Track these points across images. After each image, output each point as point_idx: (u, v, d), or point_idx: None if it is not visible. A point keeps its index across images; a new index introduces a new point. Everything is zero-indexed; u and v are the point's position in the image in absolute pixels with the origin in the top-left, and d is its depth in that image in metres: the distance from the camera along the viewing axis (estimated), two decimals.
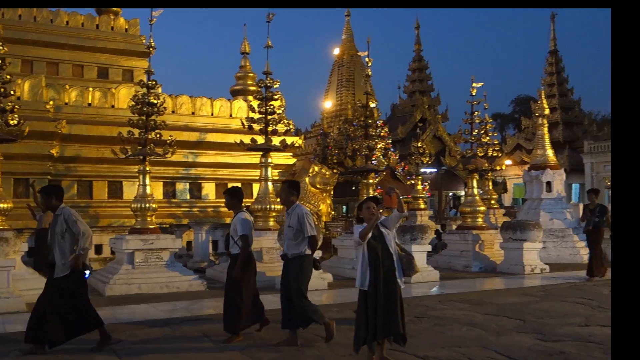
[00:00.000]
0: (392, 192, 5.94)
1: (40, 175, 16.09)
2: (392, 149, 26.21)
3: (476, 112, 16.50)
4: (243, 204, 7.33)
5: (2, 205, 10.46)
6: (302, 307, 6.58)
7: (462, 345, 6.76)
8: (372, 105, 15.61)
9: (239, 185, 7.25)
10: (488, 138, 17.04)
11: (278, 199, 14.21)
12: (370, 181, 14.50)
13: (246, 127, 13.48)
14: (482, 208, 15.92)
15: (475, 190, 16.27)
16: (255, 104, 13.88)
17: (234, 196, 7.29)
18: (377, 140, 14.74)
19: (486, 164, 16.30)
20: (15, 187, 15.67)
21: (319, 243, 7.81)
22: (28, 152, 15.35)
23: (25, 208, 13.72)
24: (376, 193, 15.25)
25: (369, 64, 15.05)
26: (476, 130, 16.63)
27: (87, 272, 6.65)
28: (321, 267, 7.12)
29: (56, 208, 6.57)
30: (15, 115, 11.01)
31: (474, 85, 16.32)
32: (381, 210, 6.06)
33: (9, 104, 10.97)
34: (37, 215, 12.95)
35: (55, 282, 6.39)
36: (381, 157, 15.36)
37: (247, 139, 13.76)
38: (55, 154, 16.31)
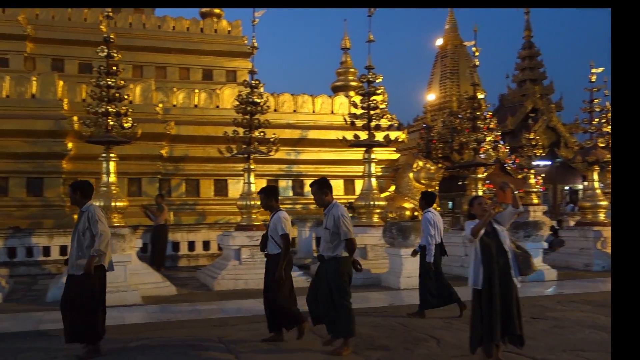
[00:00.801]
0: (507, 187, 5.71)
1: (151, 175, 17.14)
2: (501, 142, 25.25)
3: (596, 100, 15.51)
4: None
5: (118, 203, 11.25)
6: (342, 305, 6.24)
7: (585, 349, 6.38)
8: (480, 96, 15.16)
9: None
10: (610, 127, 15.95)
11: (382, 195, 14.28)
12: (479, 175, 14.07)
13: (348, 123, 13.57)
14: (604, 203, 14.95)
15: (596, 184, 15.31)
16: (357, 99, 13.91)
17: (270, 195, 7.10)
18: (485, 133, 14.29)
19: (608, 155, 15.27)
20: (129, 186, 16.78)
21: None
22: (140, 153, 16.36)
23: (137, 206, 14.63)
24: (485, 188, 14.77)
25: (476, 54, 14.64)
26: (596, 120, 15.63)
27: None
28: (361, 269, 6.71)
29: (82, 204, 6.43)
30: (129, 119, 11.77)
31: (594, 71, 15.39)
32: (494, 207, 5.85)
33: (123, 108, 11.74)
34: (152, 211, 13.83)
35: (68, 279, 6.34)
36: (490, 150, 14.88)
37: (349, 135, 13.85)
38: (164, 154, 17.28)
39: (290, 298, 6.87)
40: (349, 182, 18.76)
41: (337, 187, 18.83)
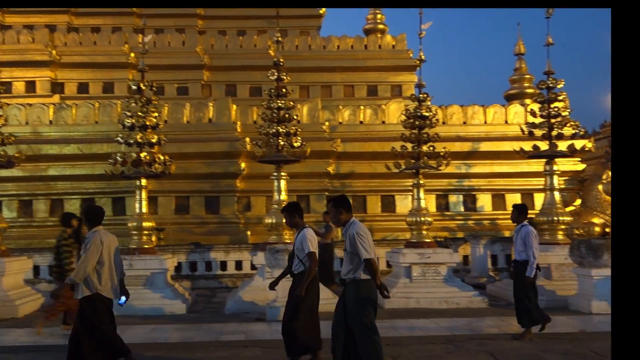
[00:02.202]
0: None
1: (318, 192, 17.77)
2: None
3: None
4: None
5: (271, 220, 11.91)
6: (364, 341, 5.72)
7: None
8: None
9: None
10: None
11: (566, 209, 13.35)
12: None
13: (526, 133, 13.00)
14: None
15: None
16: (535, 107, 13.25)
17: (294, 212, 6.91)
18: None
19: None
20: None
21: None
22: (308, 171, 17.04)
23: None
24: None
25: None
26: None
27: (123, 298, 6.52)
28: (389, 295, 6.14)
29: (89, 229, 6.51)
30: (298, 138, 12.39)
31: None
32: None
33: (292, 128, 12.38)
34: (320, 230, 14.25)
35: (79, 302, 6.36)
36: None
37: (526, 146, 13.24)
38: (331, 171, 17.83)
39: (310, 322, 6.70)
40: (527, 196, 17.82)
41: (514, 200, 17.92)
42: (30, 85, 22.21)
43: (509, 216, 17.75)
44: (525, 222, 8.66)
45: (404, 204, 17.63)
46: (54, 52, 22.20)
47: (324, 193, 17.80)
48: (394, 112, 18.69)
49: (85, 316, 6.17)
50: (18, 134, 14.01)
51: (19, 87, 22.01)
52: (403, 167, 12.44)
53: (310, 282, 6.64)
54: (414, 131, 12.38)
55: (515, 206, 9.06)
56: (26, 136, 17.29)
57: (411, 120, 12.39)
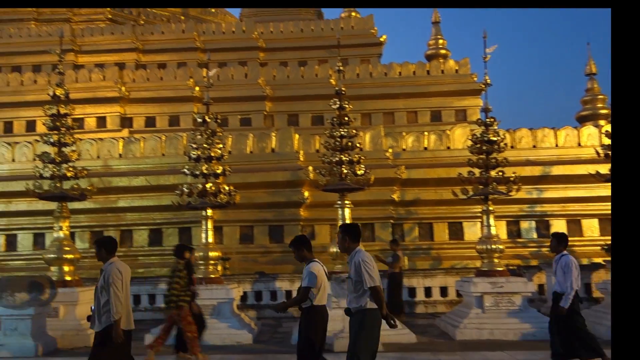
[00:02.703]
0: None
1: (383, 220, 17.59)
2: None
3: None
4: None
5: (335, 249, 11.82)
6: None
7: None
8: None
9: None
10: None
11: None
12: None
13: (601, 155, 12.52)
14: None
15: None
16: (610, 128, 12.76)
17: (301, 245, 6.65)
18: None
19: None
20: (363, 232, 17.31)
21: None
22: (371, 199, 16.92)
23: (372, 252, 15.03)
24: None
25: None
26: None
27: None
28: (396, 325, 5.92)
29: (105, 260, 6.56)
30: (362, 166, 12.35)
31: None
32: None
33: (356, 156, 12.37)
34: (387, 259, 14.09)
35: (96, 335, 6.41)
36: None
37: (603, 169, 12.77)
38: (396, 199, 17.64)
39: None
40: (605, 221, 17.03)
41: (591, 226, 17.29)
42: (101, 121, 23.24)
43: (586, 243, 17.06)
44: (565, 252, 8.39)
45: (472, 231, 17.21)
46: (123, 88, 23.20)
47: (388, 221, 17.62)
48: (459, 137, 18.41)
49: (104, 346, 6.20)
50: (90, 167, 14.60)
51: (90, 122, 23.07)
52: (471, 193, 12.17)
53: (313, 317, 6.45)
54: (481, 156, 12.13)
55: (554, 235, 8.80)
56: (97, 169, 17.99)
57: (478, 145, 12.16)
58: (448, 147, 18.70)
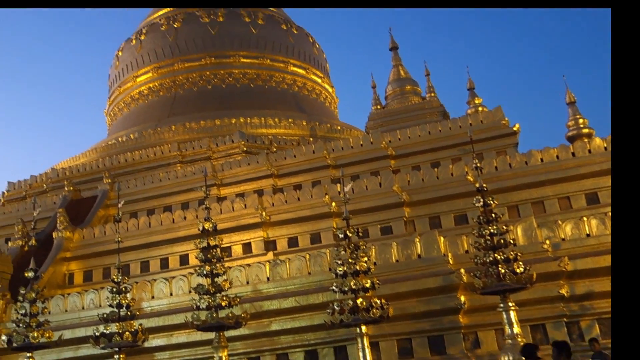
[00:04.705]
0: None
1: (554, 319, 16.03)
2: None
3: None
4: None
5: (507, 357, 10.90)
6: None
7: None
8: None
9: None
10: None
11: None
12: None
13: None
14: None
15: None
16: None
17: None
18: None
19: None
20: (533, 334, 15.92)
21: None
22: (537, 297, 15.60)
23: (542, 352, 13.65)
24: None
25: None
26: None
27: None
28: None
29: None
30: (520, 263, 11.56)
31: None
32: None
33: (511, 253, 11.60)
34: None
35: None
36: None
37: None
38: (565, 294, 16.12)
39: None
40: None
41: None
42: (247, 247, 24.15)
43: None
44: None
45: None
46: (264, 213, 24.16)
47: (561, 320, 16.02)
48: None
49: None
50: (241, 294, 14.91)
51: (237, 249, 24.04)
52: None
53: None
54: None
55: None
56: (247, 295, 18.36)
57: None
58: None
